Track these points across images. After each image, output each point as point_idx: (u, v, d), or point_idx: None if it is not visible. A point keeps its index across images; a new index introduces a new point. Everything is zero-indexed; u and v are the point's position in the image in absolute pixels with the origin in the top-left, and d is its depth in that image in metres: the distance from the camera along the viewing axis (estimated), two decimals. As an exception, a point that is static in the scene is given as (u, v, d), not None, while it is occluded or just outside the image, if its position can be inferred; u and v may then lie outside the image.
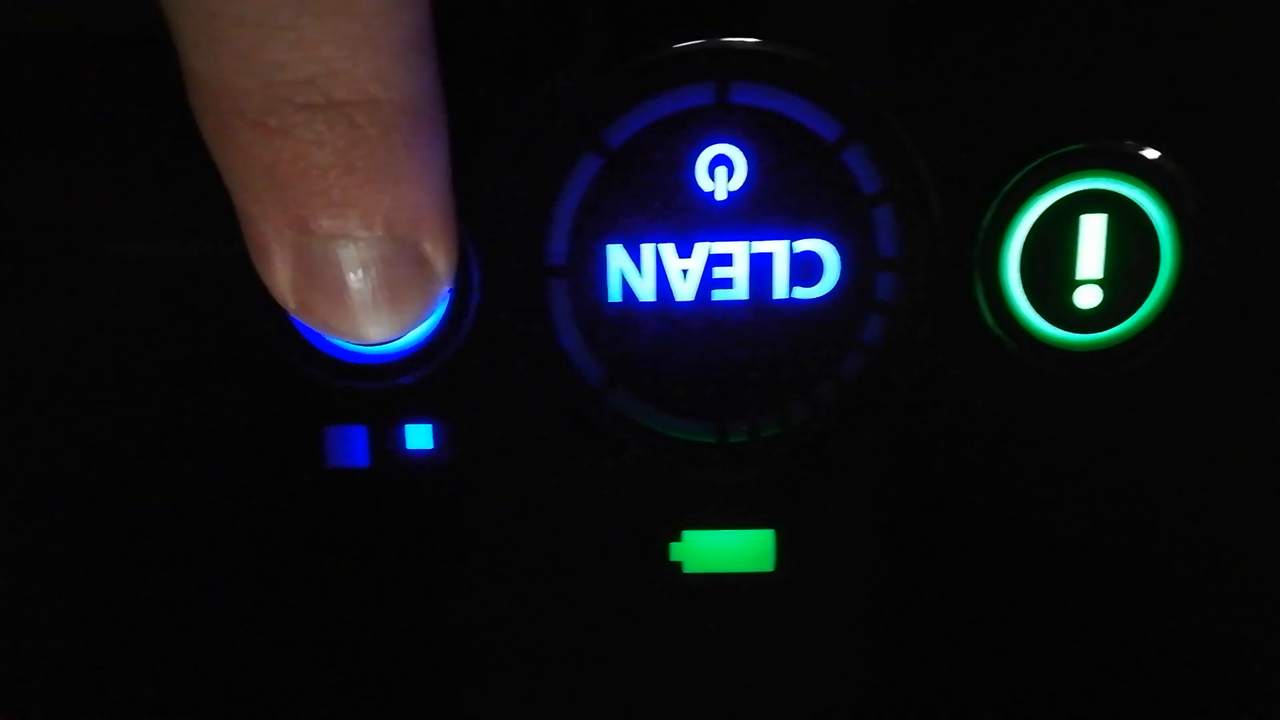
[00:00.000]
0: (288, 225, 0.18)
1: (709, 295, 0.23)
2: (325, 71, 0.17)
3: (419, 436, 0.24)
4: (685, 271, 0.23)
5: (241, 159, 0.18)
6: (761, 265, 0.23)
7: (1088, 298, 0.23)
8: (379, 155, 0.18)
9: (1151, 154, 0.22)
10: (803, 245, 0.23)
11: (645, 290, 0.23)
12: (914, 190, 0.23)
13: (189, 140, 0.22)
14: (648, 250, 0.23)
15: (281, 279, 0.19)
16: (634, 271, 0.23)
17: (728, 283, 0.23)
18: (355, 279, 0.19)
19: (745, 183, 0.23)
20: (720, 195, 0.23)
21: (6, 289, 0.24)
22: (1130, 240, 0.23)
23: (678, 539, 0.25)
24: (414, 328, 0.21)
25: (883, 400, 0.24)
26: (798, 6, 0.22)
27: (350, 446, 0.24)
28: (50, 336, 0.24)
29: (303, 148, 0.18)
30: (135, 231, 0.24)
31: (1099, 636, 0.25)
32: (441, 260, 0.20)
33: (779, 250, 0.23)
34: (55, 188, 0.23)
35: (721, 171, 0.23)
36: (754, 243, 0.23)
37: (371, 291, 0.19)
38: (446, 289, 0.21)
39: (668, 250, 0.23)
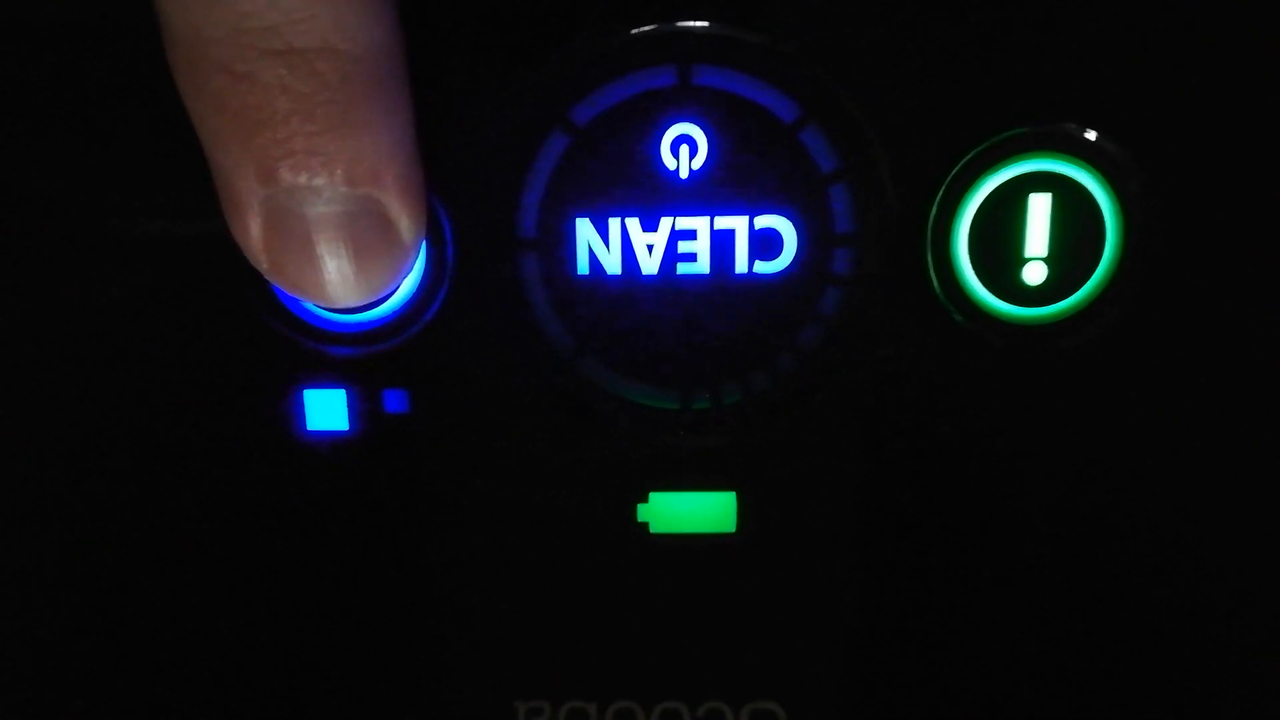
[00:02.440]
0: (256, 177, 0.20)
1: (673, 269, 0.24)
2: (287, 20, 0.19)
3: (396, 401, 0.25)
4: (650, 246, 0.24)
5: (213, 108, 0.19)
6: (723, 240, 0.24)
7: (1034, 274, 0.24)
8: (338, 103, 0.19)
9: (1092, 135, 0.23)
10: (763, 221, 0.24)
11: (612, 263, 0.24)
12: (868, 170, 0.24)
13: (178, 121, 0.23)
14: (614, 224, 0.24)
15: (254, 236, 0.20)
16: (601, 245, 0.24)
17: (691, 257, 0.24)
18: (321, 236, 0.20)
19: (707, 161, 0.24)
20: (683, 173, 0.24)
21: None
22: (1075, 219, 0.24)
23: (645, 500, 0.26)
24: (383, 293, 0.22)
25: (839, 370, 0.25)
26: (758, -8, 0.23)
27: (330, 409, 0.25)
28: (39, 310, 0.25)
29: (267, 93, 0.19)
30: (124, 209, 0.24)
31: (1048, 597, 0.26)
32: (405, 222, 0.21)
33: (740, 226, 0.24)
34: (49, 165, 0.24)
35: (685, 150, 0.24)
36: (716, 218, 0.24)
37: (337, 251, 0.20)
38: (412, 255, 0.22)
39: (633, 225, 0.24)
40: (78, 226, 0.24)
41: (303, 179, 0.19)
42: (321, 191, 0.20)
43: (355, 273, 0.21)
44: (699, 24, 0.23)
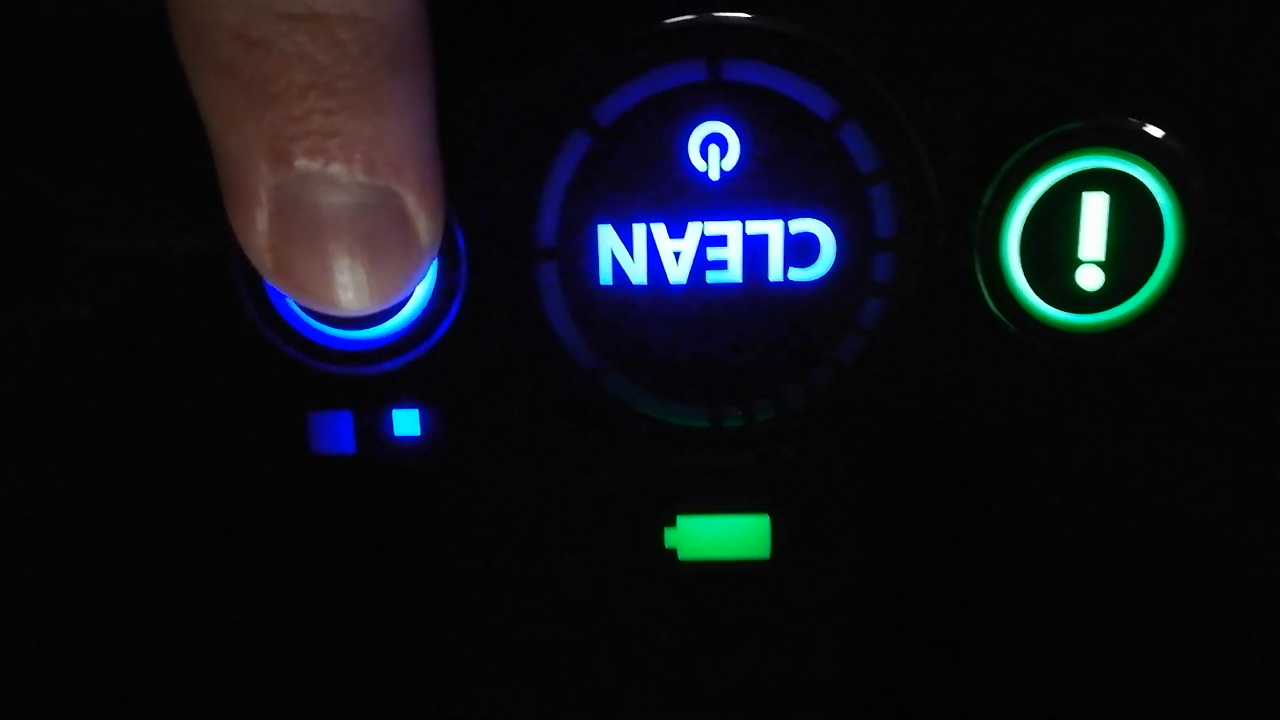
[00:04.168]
0: (267, 160, 0.18)
1: (702, 277, 0.23)
2: None
3: (406, 422, 0.24)
4: (678, 253, 0.23)
5: (221, 81, 0.18)
6: (756, 246, 0.23)
7: (1090, 278, 0.23)
8: (360, 76, 0.18)
9: (1156, 132, 0.22)
10: (798, 226, 0.23)
11: (637, 272, 0.23)
12: (912, 169, 0.22)
13: (171, 132, 0.22)
14: (639, 231, 0.23)
15: (259, 232, 0.19)
16: (625, 253, 0.23)
17: (721, 264, 0.23)
18: (334, 231, 0.18)
19: (739, 162, 0.22)
20: (713, 175, 0.22)
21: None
22: (1133, 220, 0.22)
23: (672, 524, 0.24)
24: (393, 299, 0.20)
25: (880, 383, 0.23)
26: (792, -20, 0.22)
27: (335, 432, 0.24)
28: (32, 329, 0.24)
29: (283, 61, 0.17)
30: (119, 225, 0.23)
31: (1096, 620, 0.25)
32: (424, 222, 0.19)
33: (774, 231, 0.23)
34: (34, 181, 0.23)
35: (714, 150, 0.22)
36: (748, 223, 0.23)
37: (349, 247, 0.19)
38: (428, 261, 0.20)
39: (659, 231, 0.23)
40: (70, 243, 0.23)
41: (318, 164, 0.18)
42: (337, 180, 0.18)
43: (369, 276, 0.19)
44: (730, 15, 0.22)
